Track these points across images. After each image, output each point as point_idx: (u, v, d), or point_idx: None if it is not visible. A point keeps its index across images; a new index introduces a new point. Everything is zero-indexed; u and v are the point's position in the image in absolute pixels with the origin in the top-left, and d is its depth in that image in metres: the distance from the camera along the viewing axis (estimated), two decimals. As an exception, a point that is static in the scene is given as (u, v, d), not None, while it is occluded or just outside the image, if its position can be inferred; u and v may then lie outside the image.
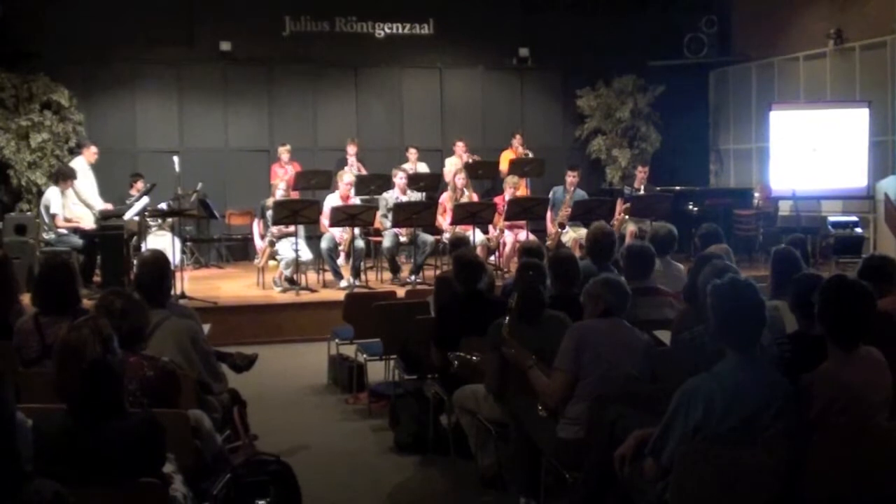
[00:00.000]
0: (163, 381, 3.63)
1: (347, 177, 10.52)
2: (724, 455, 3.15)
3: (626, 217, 10.89)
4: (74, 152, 11.71)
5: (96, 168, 11.19)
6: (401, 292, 8.38)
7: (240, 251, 12.99)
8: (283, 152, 12.12)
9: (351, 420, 6.51)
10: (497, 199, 10.78)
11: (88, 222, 10.09)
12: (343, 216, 9.65)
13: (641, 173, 11.92)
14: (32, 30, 12.14)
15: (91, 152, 11.10)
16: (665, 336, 4.77)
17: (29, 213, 10.99)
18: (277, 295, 9.77)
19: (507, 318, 4.51)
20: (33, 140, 11.61)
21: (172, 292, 6.76)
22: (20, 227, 10.14)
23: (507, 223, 10.57)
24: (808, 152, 11.90)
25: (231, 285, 10.59)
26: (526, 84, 14.48)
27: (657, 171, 12.75)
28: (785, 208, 12.30)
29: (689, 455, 3.14)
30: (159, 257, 4.94)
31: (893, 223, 10.80)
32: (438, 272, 9.87)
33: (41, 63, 12.01)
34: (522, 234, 10.50)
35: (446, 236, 10.11)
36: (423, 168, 12.35)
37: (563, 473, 4.09)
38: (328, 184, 10.99)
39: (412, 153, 12.50)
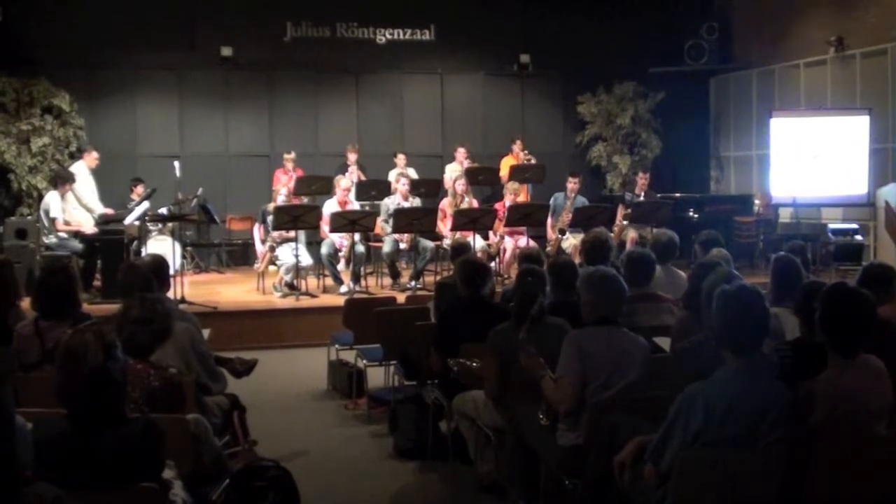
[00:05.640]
0: (168, 392, 3.64)
1: (344, 182, 10.52)
2: (724, 461, 3.15)
3: (627, 223, 10.89)
4: (75, 157, 11.73)
5: (97, 172, 11.19)
6: (401, 298, 8.40)
7: (240, 256, 12.97)
8: (288, 160, 11.97)
9: (350, 426, 6.51)
10: (497, 206, 10.76)
11: (89, 226, 10.09)
12: (343, 222, 9.64)
13: (642, 180, 11.92)
14: (34, 34, 12.17)
15: (92, 157, 11.10)
16: (665, 342, 4.77)
17: (29, 217, 10.99)
18: (277, 300, 9.76)
19: (526, 323, 4.46)
20: (34, 144, 11.64)
21: (172, 296, 6.78)
22: (21, 232, 10.15)
23: (507, 229, 10.56)
24: (809, 159, 11.90)
25: (231, 290, 10.58)
26: (526, 90, 14.49)
27: (658, 178, 12.74)
28: (785, 215, 12.31)
29: (689, 461, 3.14)
30: (155, 260, 4.96)
31: (894, 230, 10.79)
32: (438, 278, 9.88)
33: (42, 67, 12.05)
34: (523, 241, 10.50)
35: (447, 242, 10.11)
36: (411, 174, 12.16)
37: (562, 479, 4.09)
38: (329, 189, 10.96)
39: (401, 159, 12.37)
